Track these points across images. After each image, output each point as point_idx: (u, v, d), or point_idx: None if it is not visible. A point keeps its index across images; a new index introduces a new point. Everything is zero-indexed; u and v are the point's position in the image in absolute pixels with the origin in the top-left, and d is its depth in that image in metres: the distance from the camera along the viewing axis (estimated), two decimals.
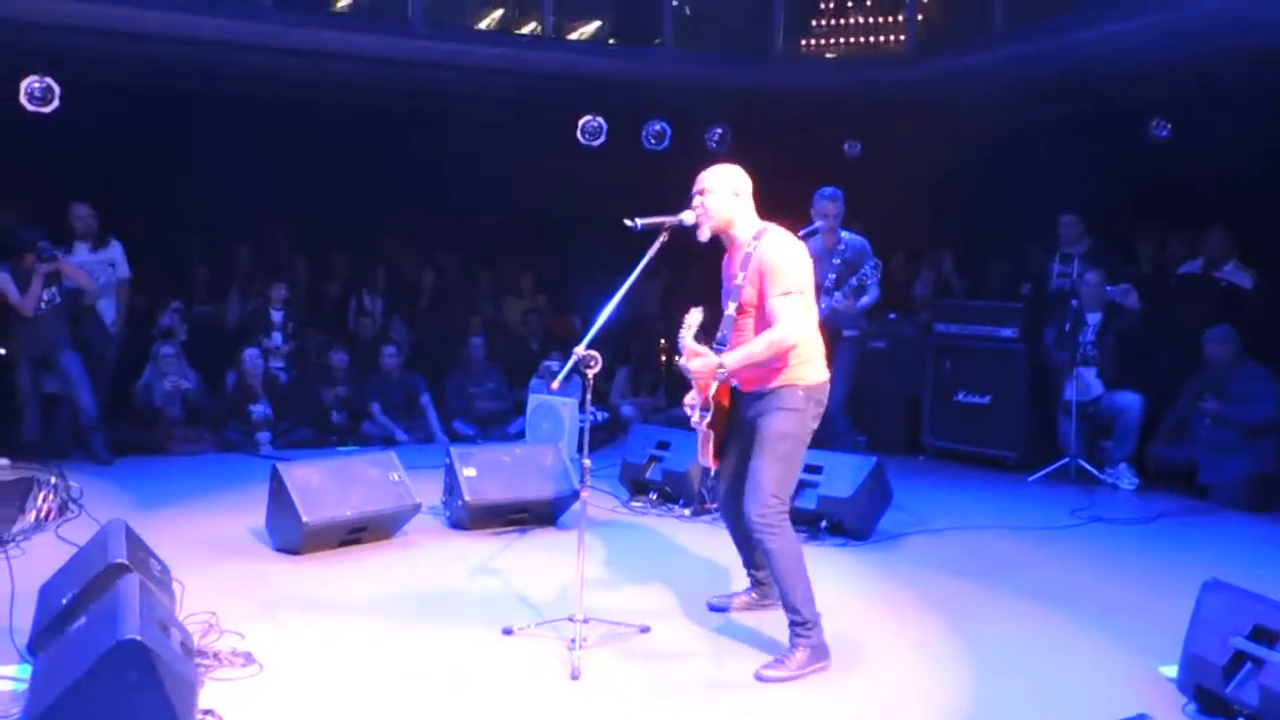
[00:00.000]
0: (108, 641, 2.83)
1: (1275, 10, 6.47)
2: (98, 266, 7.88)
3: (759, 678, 3.78)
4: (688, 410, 4.15)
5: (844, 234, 6.89)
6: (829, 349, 4.23)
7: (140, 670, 2.82)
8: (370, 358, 9.13)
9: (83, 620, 3.18)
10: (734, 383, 4.06)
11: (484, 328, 9.83)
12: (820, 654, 3.87)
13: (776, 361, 3.90)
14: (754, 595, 4.52)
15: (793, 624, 3.90)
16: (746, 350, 3.88)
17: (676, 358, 4.04)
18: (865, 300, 6.94)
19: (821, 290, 6.71)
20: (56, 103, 7.84)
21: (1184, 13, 6.73)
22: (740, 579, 4.67)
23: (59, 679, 2.88)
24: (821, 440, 5.84)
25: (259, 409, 8.30)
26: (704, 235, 4.06)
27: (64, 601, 3.52)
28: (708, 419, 4.06)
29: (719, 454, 4.18)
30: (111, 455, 7.34)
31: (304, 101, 9.35)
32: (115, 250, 8.00)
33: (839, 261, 6.78)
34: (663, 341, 10.58)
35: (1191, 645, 3.57)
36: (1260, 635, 3.33)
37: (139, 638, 2.82)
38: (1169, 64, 7.70)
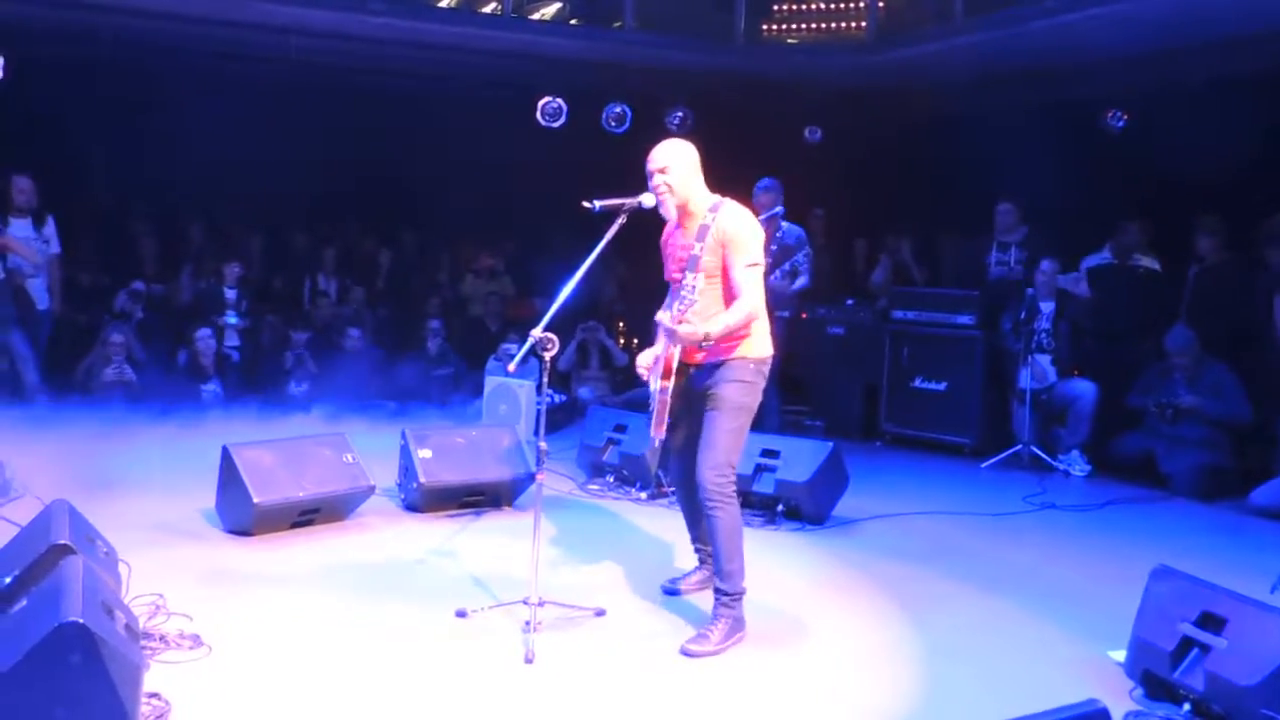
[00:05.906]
0: (50, 624, 2.76)
1: (1231, 1, 6.54)
2: (33, 243, 7.71)
3: (684, 653, 3.83)
4: (643, 372, 4.13)
5: (784, 224, 7.52)
6: None
7: (83, 653, 2.76)
8: (327, 337, 9.00)
9: (24, 602, 3.10)
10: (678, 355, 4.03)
11: (442, 309, 9.72)
12: (739, 625, 3.98)
13: (739, 333, 3.97)
14: (705, 571, 4.54)
15: (720, 593, 3.97)
16: (725, 320, 3.93)
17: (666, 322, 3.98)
18: (799, 283, 7.61)
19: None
20: None
21: (1142, 3, 6.80)
22: (692, 559, 4.66)
23: None
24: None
25: (210, 388, 8.16)
26: (670, 214, 4.10)
27: (5, 583, 3.44)
28: (669, 388, 4.05)
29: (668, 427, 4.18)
30: None
31: (259, 77, 9.19)
32: (49, 226, 7.83)
33: (775, 247, 7.37)
34: (621, 324, 10.57)
35: (1140, 630, 3.62)
36: (1207, 621, 3.39)
37: (82, 620, 2.76)
38: (1128, 54, 7.78)
